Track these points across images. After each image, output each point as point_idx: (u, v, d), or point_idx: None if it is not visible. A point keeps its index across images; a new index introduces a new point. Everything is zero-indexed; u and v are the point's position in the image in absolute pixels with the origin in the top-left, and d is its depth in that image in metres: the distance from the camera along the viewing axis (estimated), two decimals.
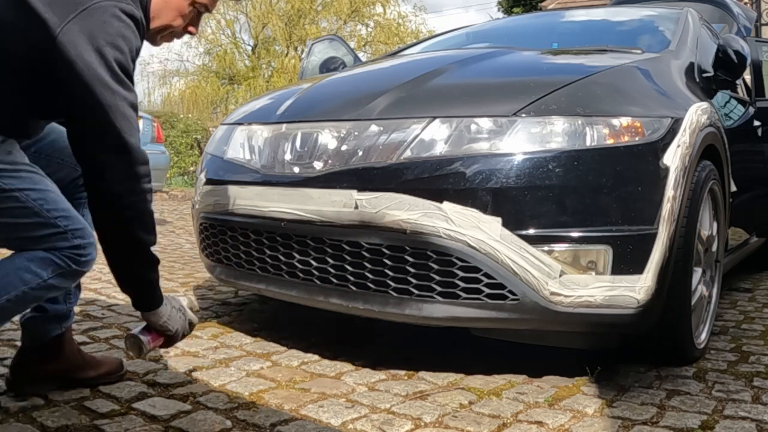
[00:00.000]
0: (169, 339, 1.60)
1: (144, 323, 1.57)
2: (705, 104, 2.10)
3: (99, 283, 2.98)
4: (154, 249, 1.49)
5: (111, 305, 2.56)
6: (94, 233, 1.47)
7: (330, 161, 1.85)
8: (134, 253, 1.46)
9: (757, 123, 3.26)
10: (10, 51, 1.33)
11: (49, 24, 1.31)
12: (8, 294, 1.38)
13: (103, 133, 1.36)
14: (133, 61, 1.41)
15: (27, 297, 1.41)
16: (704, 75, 2.51)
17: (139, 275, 1.49)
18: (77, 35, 1.31)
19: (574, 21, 3.44)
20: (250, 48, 22.11)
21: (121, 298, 2.68)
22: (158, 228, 5.97)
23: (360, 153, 1.81)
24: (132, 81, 1.40)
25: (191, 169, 11.66)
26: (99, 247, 1.48)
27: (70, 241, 1.42)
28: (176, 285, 3.00)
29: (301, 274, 1.92)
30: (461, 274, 1.67)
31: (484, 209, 1.64)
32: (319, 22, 21.59)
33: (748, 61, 2.63)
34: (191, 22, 1.58)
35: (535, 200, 1.64)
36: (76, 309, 2.47)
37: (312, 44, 3.64)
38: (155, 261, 1.51)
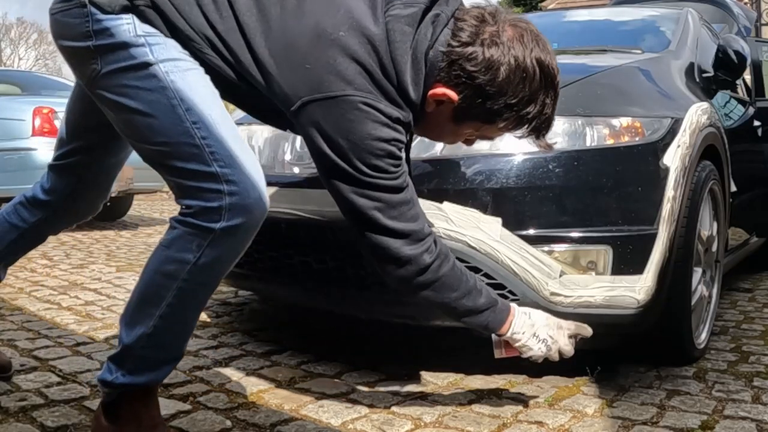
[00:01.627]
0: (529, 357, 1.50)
1: None
2: (705, 104, 2.10)
3: (99, 283, 2.98)
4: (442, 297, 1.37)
5: (111, 306, 2.56)
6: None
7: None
8: (443, 310, 1.42)
9: (757, 123, 3.27)
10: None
11: (290, 96, 1.20)
12: (161, 303, 1.19)
13: (358, 227, 1.28)
14: (399, 151, 1.25)
15: (188, 294, 1.20)
16: (704, 75, 2.51)
17: (461, 318, 1.42)
18: (313, 127, 1.20)
19: (574, 21, 3.44)
20: None
21: (121, 299, 2.69)
22: (158, 228, 5.99)
23: None
24: (395, 169, 1.25)
25: None
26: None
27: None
28: None
29: (300, 275, 1.92)
30: None
31: (484, 209, 1.64)
32: None
33: (748, 61, 2.63)
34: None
35: (535, 200, 1.65)
36: (78, 308, 2.48)
37: None
38: (472, 309, 1.39)
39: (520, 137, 1.38)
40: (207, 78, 1.21)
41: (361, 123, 1.19)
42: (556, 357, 1.50)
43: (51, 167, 1.53)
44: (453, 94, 1.26)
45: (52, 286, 2.93)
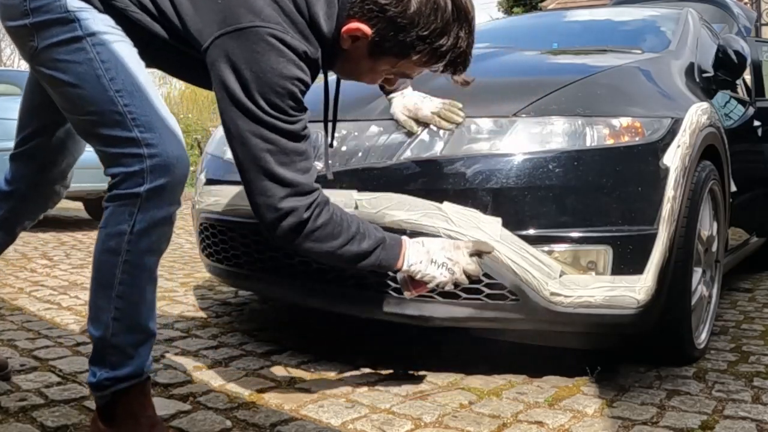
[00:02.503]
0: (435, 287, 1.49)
1: None
2: (705, 104, 2.10)
3: None
4: (325, 247, 1.35)
5: None
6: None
7: (330, 161, 1.85)
8: (334, 262, 1.42)
9: (757, 123, 3.27)
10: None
11: (204, 34, 1.23)
12: (114, 283, 1.23)
13: (244, 165, 1.27)
14: (302, 94, 1.27)
15: (135, 265, 1.24)
16: (704, 75, 2.51)
17: (353, 265, 1.42)
18: (224, 57, 1.22)
19: (574, 21, 3.44)
20: None
21: None
22: None
23: (360, 153, 1.81)
24: (295, 113, 1.27)
25: (191, 169, 11.66)
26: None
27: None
28: (176, 285, 3.00)
29: (300, 275, 1.92)
30: None
31: (484, 209, 1.64)
32: None
33: (748, 61, 2.63)
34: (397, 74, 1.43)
35: (535, 200, 1.64)
36: (78, 308, 2.48)
37: None
38: (359, 253, 1.39)
39: (437, 72, 1.39)
40: (133, 50, 1.27)
41: (266, 55, 1.21)
42: (463, 279, 1.49)
43: (12, 157, 1.56)
44: (366, 29, 1.27)
45: (52, 286, 2.93)
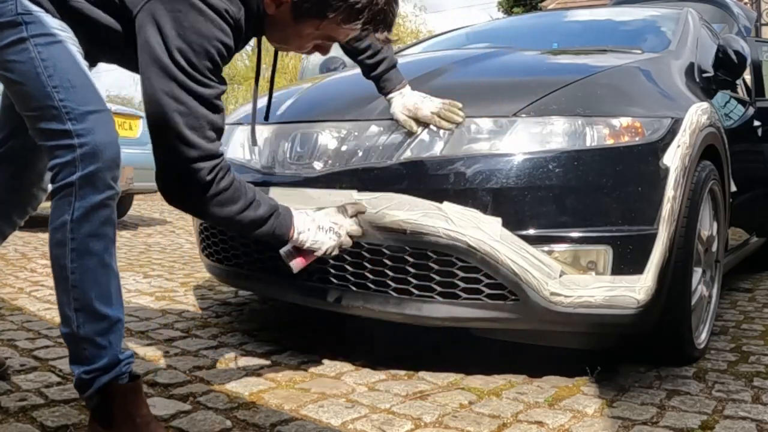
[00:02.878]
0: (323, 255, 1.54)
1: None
2: (705, 104, 2.10)
3: None
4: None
5: None
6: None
7: (330, 161, 1.85)
8: (232, 228, 1.45)
9: (757, 123, 3.27)
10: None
11: (135, 2, 1.28)
12: (67, 274, 1.28)
13: (154, 124, 1.29)
14: (221, 58, 1.30)
15: (82, 252, 1.27)
16: (704, 75, 2.51)
17: (250, 232, 1.45)
18: (149, 18, 1.26)
19: (574, 21, 3.44)
20: (249, 48, 22.12)
21: None
22: (158, 228, 5.97)
23: (360, 153, 1.81)
24: (212, 77, 1.29)
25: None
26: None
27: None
28: (176, 285, 3.00)
29: (300, 275, 1.92)
30: (461, 274, 1.67)
31: (484, 209, 1.64)
32: None
33: (748, 61, 2.63)
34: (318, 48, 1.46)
35: (535, 200, 1.64)
36: None
37: None
38: (256, 219, 1.41)
39: (360, 32, 1.40)
40: (74, 48, 1.32)
41: (188, 14, 1.24)
42: (348, 241, 1.54)
43: None
44: None
45: (52, 286, 2.92)
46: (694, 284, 1.97)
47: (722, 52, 2.54)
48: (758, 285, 3.26)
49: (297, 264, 1.54)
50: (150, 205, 8.18)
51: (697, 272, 2.02)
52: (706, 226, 2.09)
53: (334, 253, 1.56)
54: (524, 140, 1.69)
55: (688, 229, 1.83)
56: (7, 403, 1.53)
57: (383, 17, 1.36)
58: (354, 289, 1.81)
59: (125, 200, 5.84)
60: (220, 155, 1.33)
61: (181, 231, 5.25)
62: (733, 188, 2.45)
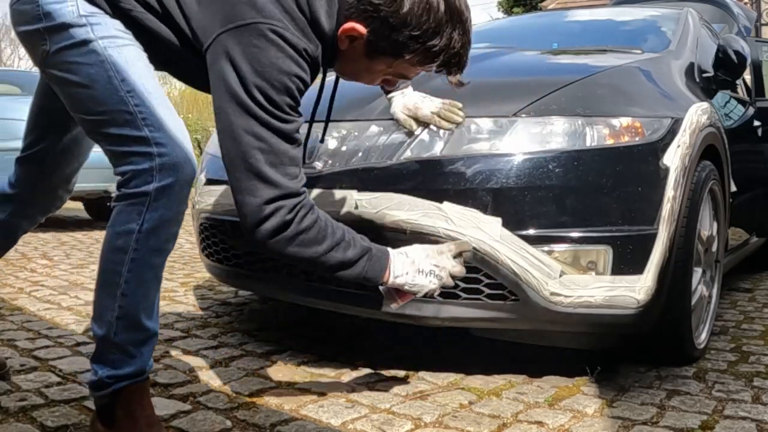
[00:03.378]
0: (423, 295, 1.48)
1: None
2: (705, 104, 2.10)
3: None
4: (315, 250, 1.32)
5: None
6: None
7: (330, 161, 1.85)
8: (317, 269, 1.40)
9: (757, 123, 3.27)
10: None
11: (207, 32, 1.25)
12: (120, 281, 1.24)
13: (233, 162, 1.26)
14: (299, 92, 1.28)
15: (142, 264, 1.24)
16: (704, 75, 2.51)
17: (336, 273, 1.39)
18: (223, 53, 1.23)
19: (574, 21, 3.44)
20: None
21: None
22: None
23: (360, 153, 1.81)
24: (291, 112, 1.27)
25: None
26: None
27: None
28: (176, 285, 3.00)
29: (300, 275, 1.92)
30: None
31: (484, 209, 1.64)
32: None
33: (748, 61, 2.63)
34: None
35: (535, 200, 1.64)
36: (78, 308, 2.48)
37: None
38: (344, 261, 1.36)
39: (432, 72, 1.40)
40: (143, 54, 1.30)
41: (266, 51, 1.22)
42: (450, 282, 1.49)
43: (18, 160, 1.57)
44: (361, 28, 1.29)
45: (52, 286, 2.93)
46: (694, 284, 1.97)
47: (722, 52, 2.54)
48: (758, 285, 3.26)
49: (394, 305, 1.50)
50: None
51: (697, 272, 2.02)
52: (706, 226, 2.09)
53: (436, 294, 1.50)
54: (524, 140, 1.69)
55: (688, 229, 1.83)
56: (7, 403, 1.53)
57: (458, 60, 1.35)
58: (354, 289, 1.81)
59: None
60: (301, 193, 1.30)
61: (181, 231, 5.25)
62: (733, 188, 2.45)
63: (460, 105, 1.75)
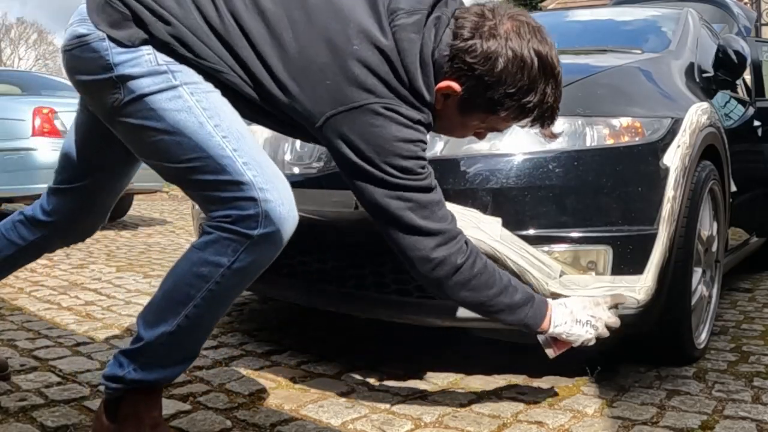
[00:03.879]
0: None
1: None
2: (705, 104, 2.10)
3: (99, 283, 2.98)
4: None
5: (111, 306, 2.56)
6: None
7: (330, 162, 1.85)
8: (482, 312, 1.42)
9: (757, 123, 3.27)
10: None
11: (313, 113, 1.25)
12: (189, 303, 1.21)
13: (389, 228, 1.31)
14: (423, 152, 1.30)
15: (218, 297, 1.23)
16: (704, 75, 2.51)
17: (499, 318, 1.43)
18: (337, 138, 1.25)
19: (575, 21, 3.44)
20: None
21: (121, 299, 2.69)
22: (158, 228, 5.99)
23: None
24: (422, 170, 1.29)
25: None
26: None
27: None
28: None
29: (300, 275, 1.92)
30: None
31: (484, 209, 1.64)
32: None
33: (748, 61, 2.63)
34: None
35: (535, 200, 1.64)
36: (78, 308, 2.48)
37: None
38: (511, 305, 1.41)
39: (525, 126, 1.42)
40: (226, 99, 1.26)
41: (387, 127, 1.24)
42: (605, 333, 1.52)
43: (54, 191, 1.54)
44: (456, 86, 1.30)
45: (52, 286, 2.93)
46: (694, 284, 1.97)
47: (722, 52, 2.54)
48: (758, 285, 3.26)
49: (551, 352, 1.53)
50: (150, 205, 8.18)
51: (697, 272, 2.02)
52: (706, 226, 2.09)
53: (591, 343, 1.53)
54: (524, 140, 1.69)
55: (688, 229, 1.83)
56: (7, 403, 1.53)
57: (551, 114, 1.36)
58: (354, 289, 1.81)
59: (125, 200, 5.84)
60: (459, 233, 1.34)
61: (181, 231, 5.25)
62: (733, 188, 2.44)
63: None
